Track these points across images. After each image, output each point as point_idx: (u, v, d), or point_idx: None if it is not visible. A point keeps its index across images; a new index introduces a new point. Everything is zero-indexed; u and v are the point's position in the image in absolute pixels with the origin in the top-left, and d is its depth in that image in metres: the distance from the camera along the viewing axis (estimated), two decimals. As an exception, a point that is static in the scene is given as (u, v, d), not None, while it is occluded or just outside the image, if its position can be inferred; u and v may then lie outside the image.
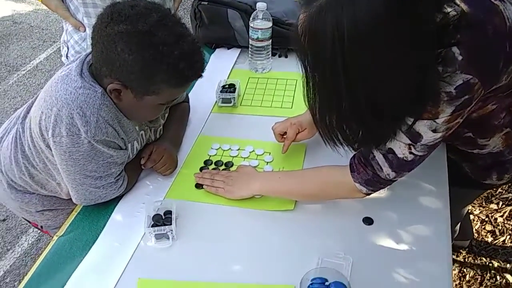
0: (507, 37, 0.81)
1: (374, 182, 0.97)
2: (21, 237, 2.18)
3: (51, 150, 1.02)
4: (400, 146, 0.90)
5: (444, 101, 0.81)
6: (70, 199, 1.12)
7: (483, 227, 2.04)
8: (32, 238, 2.18)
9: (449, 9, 0.80)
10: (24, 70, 3.46)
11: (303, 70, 0.83)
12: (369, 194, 1.01)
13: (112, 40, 0.91)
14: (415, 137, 0.87)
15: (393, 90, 0.77)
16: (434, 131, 0.85)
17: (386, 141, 0.90)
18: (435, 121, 0.84)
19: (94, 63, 1.00)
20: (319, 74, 0.80)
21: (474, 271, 1.85)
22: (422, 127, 0.85)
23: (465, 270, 1.85)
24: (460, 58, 0.78)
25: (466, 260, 1.89)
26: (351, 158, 1.00)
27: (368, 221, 1.06)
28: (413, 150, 0.89)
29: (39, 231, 1.74)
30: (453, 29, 0.79)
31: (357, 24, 0.70)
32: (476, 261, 1.89)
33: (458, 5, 0.81)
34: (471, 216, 2.05)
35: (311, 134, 1.21)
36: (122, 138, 1.06)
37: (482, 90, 0.81)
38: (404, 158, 0.91)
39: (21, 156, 1.12)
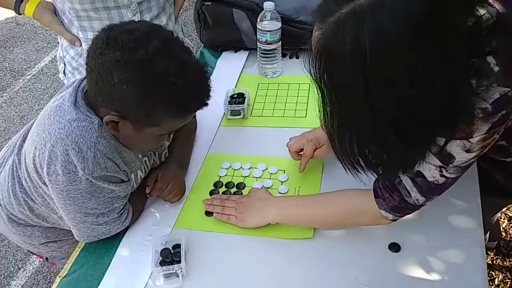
0: None
1: (401, 208, 0.88)
2: (32, 255, 2.12)
3: (47, 186, 0.94)
4: (430, 169, 0.80)
5: (478, 119, 0.71)
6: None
7: (511, 225, 1.94)
8: (43, 255, 2.13)
9: (482, 11, 0.69)
10: (29, 75, 3.40)
11: (319, 93, 0.74)
12: (395, 220, 0.92)
13: (107, 69, 0.83)
14: (446, 159, 0.78)
15: (422, 109, 0.68)
16: (468, 151, 0.76)
17: (415, 165, 0.81)
18: (469, 141, 0.74)
19: (89, 91, 0.92)
20: (337, 96, 0.71)
21: (504, 274, 1.75)
22: (455, 147, 0.76)
23: (493, 273, 1.76)
24: (496, 69, 0.68)
25: (494, 262, 1.80)
26: (374, 182, 0.91)
27: (394, 247, 0.97)
28: (444, 173, 0.80)
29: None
30: (487, 35, 0.69)
31: (380, 40, 0.61)
32: (505, 263, 1.79)
33: (492, 5, 0.70)
34: (498, 214, 1.94)
35: (330, 150, 1.11)
36: (124, 170, 0.98)
37: None
38: (435, 182, 0.82)
39: (19, 190, 1.05)
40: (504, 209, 1.97)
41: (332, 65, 0.67)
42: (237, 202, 1.05)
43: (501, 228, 1.90)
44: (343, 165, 0.83)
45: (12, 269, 2.09)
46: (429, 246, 0.96)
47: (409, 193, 0.85)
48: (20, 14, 1.31)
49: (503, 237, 1.87)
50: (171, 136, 1.16)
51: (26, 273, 2.07)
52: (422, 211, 1.00)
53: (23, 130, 1.12)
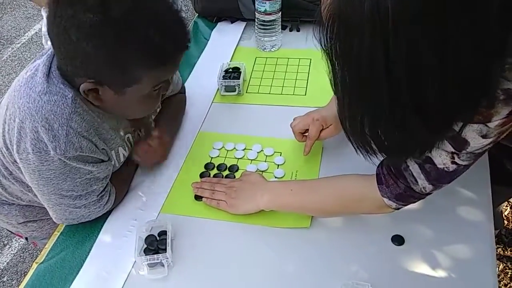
0: None
1: (406, 197, 0.80)
2: (16, 233, 2.07)
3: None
4: (441, 155, 0.72)
5: (499, 101, 0.63)
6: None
7: (514, 211, 1.88)
8: (29, 232, 2.07)
9: None
10: (18, 43, 3.27)
11: (329, 65, 0.64)
12: (398, 209, 0.85)
13: (63, 30, 0.72)
14: (460, 144, 0.70)
15: (447, 85, 0.58)
16: (484, 136, 0.68)
17: (431, 149, 0.72)
18: (486, 125, 0.66)
19: (58, 61, 0.82)
20: (352, 68, 0.61)
21: (504, 264, 1.70)
22: (470, 132, 0.68)
23: (494, 262, 1.70)
24: None
25: (495, 251, 1.74)
26: (378, 167, 0.82)
27: (398, 240, 0.89)
28: (456, 159, 0.72)
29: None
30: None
31: (404, 2, 0.52)
32: (506, 252, 1.74)
33: None
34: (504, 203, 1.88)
35: (338, 131, 1.03)
36: (103, 149, 0.90)
37: None
38: (445, 169, 0.74)
39: None
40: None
41: (347, 32, 0.58)
42: (228, 186, 0.97)
43: (503, 216, 1.84)
44: (354, 148, 0.74)
45: (-3, 246, 2.03)
46: (435, 239, 0.89)
47: (416, 180, 0.77)
48: None
49: (505, 225, 1.81)
50: (158, 109, 1.07)
51: (12, 250, 2.00)
52: (428, 201, 0.93)
53: None
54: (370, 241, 0.90)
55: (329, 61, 0.64)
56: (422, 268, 0.85)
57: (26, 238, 1.20)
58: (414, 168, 0.76)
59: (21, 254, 1.98)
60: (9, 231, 1.19)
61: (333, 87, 0.68)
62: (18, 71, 3.01)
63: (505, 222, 1.82)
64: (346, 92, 0.65)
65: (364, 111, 0.65)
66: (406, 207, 0.89)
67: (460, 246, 0.88)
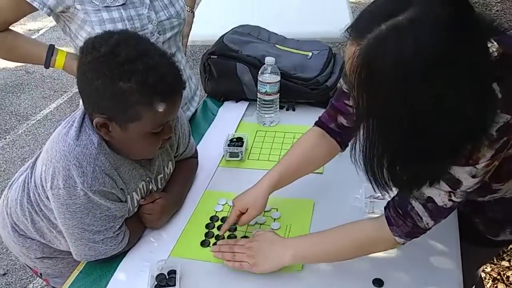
0: None
1: (413, 233, 0.93)
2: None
3: (49, 201, 1.02)
4: (440, 194, 0.87)
5: (484, 145, 0.78)
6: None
7: (495, 285, 1.97)
8: (32, 293, 2.13)
9: (489, 44, 0.77)
10: (33, 120, 3.51)
11: (356, 110, 0.79)
12: (403, 244, 0.97)
13: (83, 72, 0.94)
14: (455, 184, 0.84)
15: (453, 125, 0.72)
16: (474, 176, 0.83)
17: (439, 180, 0.84)
18: (475, 167, 0.81)
19: (83, 103, 1.01)
20: (379, 111, 0.74)
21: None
22: (462, 173, 0.83)
23: (479, 332, 1.76)
24: (500, 96, 0.76)
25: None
26: (385, 211, 0.95)
27: (378, 282, 1.02)
28: (453, 197, 0.86)
29: (39, 286, 1.71)
30: (494, 65, 0.76)
31: (421, 56, 0.66)
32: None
33: (493, 43, 0.78)
34: (482, 274, 1.98)
35: (257, 213, 1.12)
36: (122, 189, 1.06)
37: None
38: (444, 206, 0.88)
39: (26, 201, 1.13)
40: (488, 270, 2.02)
41: (373, 80, 0.70)
42: (247, 247, 1.05)
43: (486, 288, 1.93)
44: (373, 185, 0.85)
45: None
46: (410, 283, 1.02)
47: (421, 218, 0.90)
48: (48, 67, 1.34)
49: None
50: (171, 167, 1.24)
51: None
52: (404, 251, 1.08)
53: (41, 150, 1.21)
54: (354, 283, 1.02)
55: (356, 109, 0.78)
56: (400, 308, 0.97)
57: (41, 274, 1.31)
58: (419, 208, 0.90)
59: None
60: (28, 266, 1.32)
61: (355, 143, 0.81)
62: (32, 145, 3.21)
63: (489, 296, 1.91)
64: (371, 132, 0.77)
65: (385, 149, 0.77)
66: (384, 255, 1.03)
67: (433, 289, 1.01)
